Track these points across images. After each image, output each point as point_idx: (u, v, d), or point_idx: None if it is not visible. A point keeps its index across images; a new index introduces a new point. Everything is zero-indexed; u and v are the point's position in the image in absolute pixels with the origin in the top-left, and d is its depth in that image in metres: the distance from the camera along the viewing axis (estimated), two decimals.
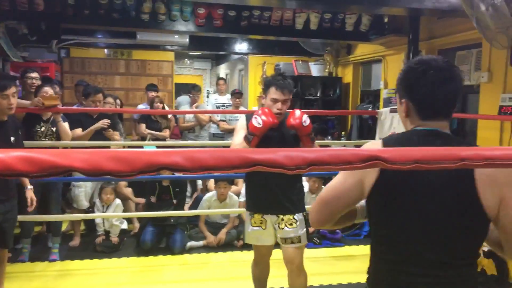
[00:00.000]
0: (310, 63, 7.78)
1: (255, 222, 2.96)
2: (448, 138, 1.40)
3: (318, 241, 4.89)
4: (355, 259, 4.56)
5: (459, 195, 1.35)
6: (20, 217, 4.10)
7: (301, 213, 2.91)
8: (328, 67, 7.69)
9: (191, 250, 4.68)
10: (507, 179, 1.34)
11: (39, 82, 4.70)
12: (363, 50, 6.90)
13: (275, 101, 2.82)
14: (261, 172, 2.47)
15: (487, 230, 1.40)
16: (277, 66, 7.68)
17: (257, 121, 2.73)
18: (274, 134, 2.85)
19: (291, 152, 0.78)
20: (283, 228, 2.87)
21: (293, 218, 2.88)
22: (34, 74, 4.79)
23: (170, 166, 0.74)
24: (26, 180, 3.38)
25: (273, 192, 2.87)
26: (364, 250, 4.84)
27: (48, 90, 4.16)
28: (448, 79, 1.39)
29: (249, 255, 4.61)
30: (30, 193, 3.37)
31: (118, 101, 5.97)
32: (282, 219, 2.88)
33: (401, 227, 1.41)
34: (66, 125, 4.22)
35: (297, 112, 2.83)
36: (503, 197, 1.33)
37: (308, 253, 4.66)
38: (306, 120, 2.79)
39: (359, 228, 5.24)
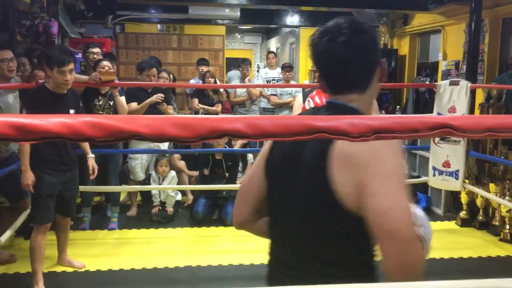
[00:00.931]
0: None
1: None
2: (336, 110, 1.17)
3: None
4: None
5: (311, 181, 1.13)
6: (81, 188, 4.30)
7: None
8: (383, 38, 7.44)
9: None
10: (367, 157, 1.06)
11: (101, 57, 4.82)
12: (421, 20, 6.61)
13: None
14: None
15: (353, 224, 1.10)
16: None
17: (309, 105, 2.47)
18: None
19: (354, 119, 0.75)
20: None
21: None
22: (96, 50, 4.91)
23: (232, 133, 0.74)
24: (88, 149, 3.52)
25: None
26: None
27: (106, 64, 4.27)
28: (341, 45, 1.14)
29: None
30: (91, 161, 3.50)
31: (171, 75, 6.06)
32: None
33: (273, 224, 1.30)
34: (122, 99, 4.34)
35: None
36: (360, 182, 1.06)
37: None
38: None
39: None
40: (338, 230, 1.14)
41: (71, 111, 3.21)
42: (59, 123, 0.70)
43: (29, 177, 3.05)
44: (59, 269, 3.59)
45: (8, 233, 3.26)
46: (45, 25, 5.87)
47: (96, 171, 3.52)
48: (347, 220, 1.10)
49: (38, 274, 3.20)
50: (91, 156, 3.51)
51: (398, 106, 7.11)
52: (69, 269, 3.59)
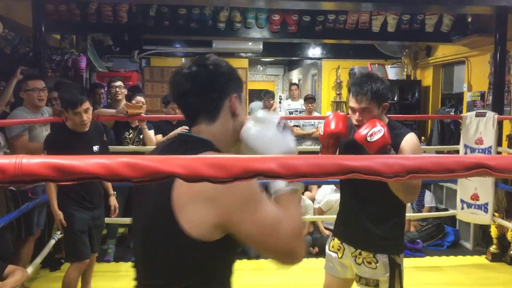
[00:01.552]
0: (386, 66, 7.57)
1: (333, 247, 2.47)
2: (180, 141, 1.28)
3: None
4: (437, 271, 4.34)
5: (155, 213, 1.19)
6: (107, 219, 4.34)
7: (386, 255, 2.26)
8: (405, 70, 7.44)
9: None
10: (231, 200, 1.10)
11: (123, 90, 4.93)
12: (444, 52, 6.60)
13: (352, 110, 2.27)
14: (353, 191, 2.35)
15: (202, 251, 1.15)
16: (352, 70, 7.54)
17: (321, 129, 2.45)
18: (343, 145, 2.39)
19: (389, 159, 0.75)
20: (360, 264, 2.31)
21: (373, 257, 2.28)
22: (118, 83, 5.05)
23: (265, 173, 0.74)
24: (110, 188, 3.56)
25: (357, 218, 2.34)
26: (447, 261, 4.61)
27: (140, 99, 4.40)
28: (183, 77, 1.25)
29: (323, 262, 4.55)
30: (113, 201, 3.54)
31: None
32: (360, 253, 2.31)
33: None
34: (151, 132, 4.42)
35: (370, 123, 2.11)
36: (218, 214, 1.10)
37: None
38: (374, 134, 2.06)
39: (441, 239, 4.99)
40: (184, 258, 1.18)
41: (95, 147, 3.21)
42: (97, 164, 0.71)
43: (59, 214, 3.08)
44: None
45: (34, 264, 3.29)
46: (74, 60, 6.08)
47: (117, 210, 3.55)
48: (195, 248, 1.15)
49: None
50: (112, 194, 3.55)
51: (423, 137, 7.03)
52: None
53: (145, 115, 4.44)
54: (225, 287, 1.29)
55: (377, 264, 2.26)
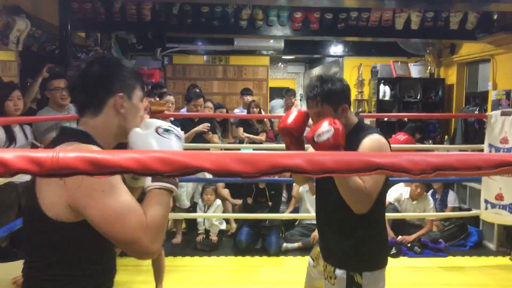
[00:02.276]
0: (409, 64, 7.48)
1: (313, 253, 2.33)
2: (62, 133, 1.37)
3: (419, 250, 4.67)
4: (459, 271, 4.29)
5: (28, 193, 1.32)
6: None
7: (344, 271, 2.01)
8: (429, 68, 7.34)
9: (286, 252, 4.71)
10: (78, 184, 1.20)
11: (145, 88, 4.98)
12: (469, 50, 6.49)
13: (310, 116, 2.10)
14: (322, 199, 2.16)
15: (57, 230, 1.25)
16: (374, 68, 7.48)
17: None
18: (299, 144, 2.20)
19: (415, 156, 0.75)
20: (325, 278, 2.12)
21: (333, 272, 2.06)
22: None
23: (292, 168, 0.76)
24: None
25: (323, 229, 2.20)
26: (470, 262, 4.54)
27: (170, 99, 4.47)
28: (75, 73, 1.38)
29: None
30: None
31: (224, 110, 6.17)
32: (326, 267, 2.13)
33: None
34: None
35: (320, 122, 1.85)
36: (77, 204, 1.21)
37: (409, 262, 4.50)
38: (322, 135, 1.81)
39: (464, 239, 4.93)
40: (46, 237, 1.28)
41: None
42: (130, 158, 0.74)
43: None
44: None
45: None
46: None
47: None
48: (54, 228, 1.25)
49: None
50: None
51: (446, 136, 6.93)
52: None
53: (168, 113, 4.49)
54: (96, 265, 1.34)
55: (334, 280, 2.05)
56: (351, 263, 2.01)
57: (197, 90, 5.90)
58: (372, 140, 1.92)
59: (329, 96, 1.95)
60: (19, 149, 0.73)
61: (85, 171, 0.72)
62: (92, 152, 0.73)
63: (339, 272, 2.02)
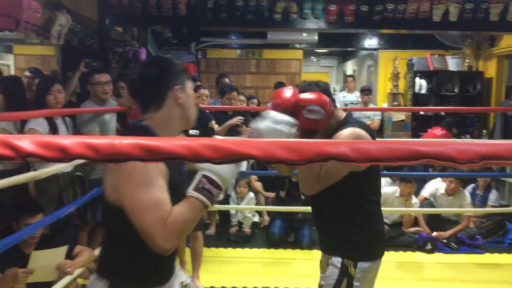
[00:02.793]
0: (447, 57, 7.31)
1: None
2: (129, 129, 1.57)
3: (455, 246, 4.59)
4: (497, 268, 4.20)
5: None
6: None
7: (340, 260, 1.97)
8: (467, 61, 7.16)
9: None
10: (121, 172, 1.34)
11: None
12: (509, 42, 6.29)
13: None
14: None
15: (116, 215, 1.39)
16: (410, 61, 7.35)
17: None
18: None
19: (462, 145, 0.75)
20: (320, 270, 2.11)
21: (326, 261, 2.04)
22: None
23: (338, 156, 0.77)
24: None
25: (315, 221, 2.20)
26: (508, 259, 4.44)
27: (204, 92, 4.53)
28: (135, 75, 1.54)
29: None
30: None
31: (255, 100, 6.20)
32: (322, 258, 2.12)
33: None
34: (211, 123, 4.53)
35: (313, 96, 1.84)
36: (116, 184, 1.37)
37: (445, 258, 4.43)
38: (312, 112, 1.80)
39: (503, 236, 4.81)
40: (110, 222, 1.50)
41: (193, 131, 3.52)
42: (181, 145, 0.77)
43: None
44: None
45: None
46: (134, 52, 6.29)
47: None
48: (113, 213, 1.41)
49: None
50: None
51: (484, 131, 6.76)
52: None
53: (202, 106, 4.54)
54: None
55: (327, 269, 2.02)
56: (347, 250, 1.97)
57: (227, 80, 5.95)
58: (347, 132, 1.92)
59: None
60: (75, 136, 0.77)
61: (139, 157, 0.76)
62: (145, 139, 0.76)
63: (334, 260, 1.98)
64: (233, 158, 0.77)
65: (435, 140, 4.27)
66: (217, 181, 1.32)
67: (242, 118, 4.92)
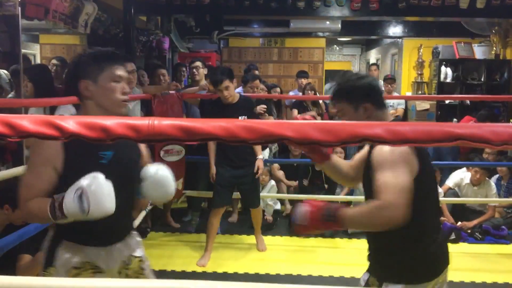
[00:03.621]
0: (473, 45, 7.17)
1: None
2: None
3: (480, 236, 4.54)
4: None
5: None
6: (189, 192, 4.57)
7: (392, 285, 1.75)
8: (494, 48, 7.00)
9: (342, 234, 4.71)
10: None
11: (201, 70, 5.00)
12: None
13: None
14: None
15: None
16: (435, 49, 7.23)
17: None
18: None
19: (497, 127, 0.76)
20: None
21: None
22: (195, 64, 5.13)
23: (372, 138, 0.78)
24: (259, 150, 3.94)
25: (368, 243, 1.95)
26: None
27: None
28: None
29: None
30: (259, 162, 3.90)
31: (278, 89, 6.19)
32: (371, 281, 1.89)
33: None
34: None
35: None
36: None
37: (469, 248, 4.39)
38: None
39: None
40: None
41: (241, 117, 3.66)
42: (218, 126, 0.79)
43: (212, 170, 3.90)
44: (173, 268, 3.83)
45: None
46: (158, 41, 6.35)
47: (260, 170, 3.92)
48: None
49: (209, 248, 3.94)
50: (260, 158, 3.91)
51: (511, 120, 6.63)
52: (177, 268, 3.81)
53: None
54: None
55: None
56: (391, 275, 1.77)
57: (256, 72, 5.95)
58: (387, 149, 1.58)
59: (347, 92, 1.80)
60: (118, 117, 0.79)
61: (178, 138, 0.78)
62: (185, 120, 0.78)
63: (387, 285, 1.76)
64: (268, 139, 0.78)
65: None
66: (63, 211, 1.44)
67: (265, 106, 4.93)
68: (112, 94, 1.65)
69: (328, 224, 1.59)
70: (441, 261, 1.81)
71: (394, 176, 1.51)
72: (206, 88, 4.29)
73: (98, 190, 1.41)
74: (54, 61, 4.47)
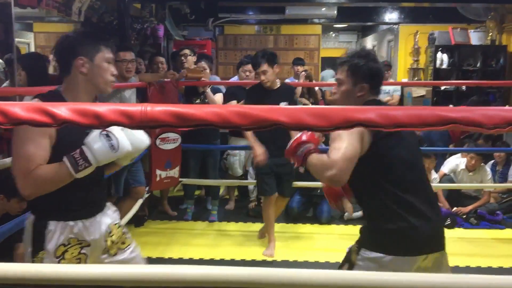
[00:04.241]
0: (469, 31, 7.15)
1: None
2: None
3: (475, 221, 4.57)
4: None
5: None
6: (185, 181, 4.58)
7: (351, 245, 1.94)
8: (490, 34, 6.99)
9: (338, 221, 4.73)
10: None
11: (189, 58, 4.93)
12: None
13: None
14: None
15: None
16: (431, 35, 7.21)
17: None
18: None
19: (489, 110, 0.76)
20: None
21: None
22: (183, 52, 5.04)
23: (365, 122, 0.78)
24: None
25: None
26: None
27: (201, 64, 4.53)
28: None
29: None
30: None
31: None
32: None
33: None
34: (217, 96, 4.49)
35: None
36: None
37: (465, 233, 4.43)
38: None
39: None
40: None
41: (283, 103, 3.57)
42: (211, 112, 0.79)
43: (257, 153, 3.68)
44: (171, 255, 3.84)
45: (126, 218, 3.54)
46: (152, 29, 6.29)
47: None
48: None
49: (272, 237, 3.96)
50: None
51: (507, 106, 6.64)
52: (174, 255, 3.82)
53: (207, 81, 4.49)
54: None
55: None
56: (367, 242, 1.86)
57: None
58: None
59: (356, 67, 1.92)
60: (109, 103, 0.79)
61: (171, 123, 0.78)
62: (177, 106, 0.78)
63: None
64: (261, 124, 0.78)
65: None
66: (88, 157, 1.54)
67: None
68: (105, 73, 1.76)
69: (297, 158, 1.90)
70: (424, 243, 1.81)
71: (343, 144, 1.71)
72: (184, 75, 4.25)
73: (121, 131, 1.57)
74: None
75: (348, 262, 1.88)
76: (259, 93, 3.74)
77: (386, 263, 1.75)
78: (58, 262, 1.70)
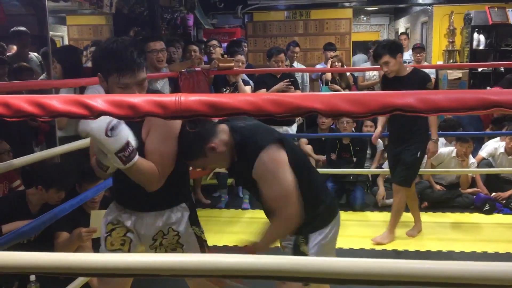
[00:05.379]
0: (507, 10, 6.87)
1: None
2: None
3: None
4: None
5: None
6: (218, 170, 4.60)
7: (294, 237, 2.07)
8: None
9: (372, 208, 4.68)
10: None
11: (217, 49, 4.97)
12: None
13: None
14: None
15: None
16: (467, 15, 6.97)
17: None
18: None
19: None
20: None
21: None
22: (211, 42, 5.07)
23: (404, 108, 0.76)
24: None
25: None
26: None
27: (240, 58, 4.55)
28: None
29: (434, 217, 4.45)
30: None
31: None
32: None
33: None
34: (247, 88, 4.48)
35: None
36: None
37: (504, 219, 4.31)
38: None
39: None
40: None
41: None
42: (245, 100, 0.78)
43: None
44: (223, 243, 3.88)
45: None
46: (182, 18, 6.33)
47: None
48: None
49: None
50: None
51: None
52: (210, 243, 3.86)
53: (237, 69, 4.47)
54: None
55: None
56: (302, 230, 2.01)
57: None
58: (264, 161, 1.80)
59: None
60: (144, 94, 0.79)
61: (205, 113, 0.78)
62: (211, 96, 0.77)
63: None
64: (296, 112, 0.77)
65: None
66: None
67: (288, 81, 4.86)
68: (120, 88, 1.68)
69: None
70: (331, 214, 2.14)
71: (281, 183, 1.81)
72: (216, 65, 4.24)
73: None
74: (91, 48, 4.51)
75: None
76: (388, 82, 3.64)
77: (324, 235, 2.07)
78: (106, 238, 1.91)
